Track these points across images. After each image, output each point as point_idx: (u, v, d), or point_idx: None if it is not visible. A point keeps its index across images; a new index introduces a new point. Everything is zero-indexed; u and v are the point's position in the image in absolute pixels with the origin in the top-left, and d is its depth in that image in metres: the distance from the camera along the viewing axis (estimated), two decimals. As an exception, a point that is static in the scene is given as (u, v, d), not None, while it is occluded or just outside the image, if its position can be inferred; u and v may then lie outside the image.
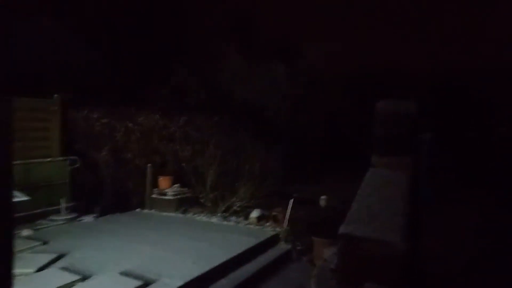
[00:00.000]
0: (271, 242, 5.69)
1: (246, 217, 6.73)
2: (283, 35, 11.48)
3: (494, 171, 11.67)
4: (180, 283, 3.92)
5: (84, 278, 3.92)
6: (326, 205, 6.02)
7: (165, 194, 7.67)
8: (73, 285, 3.73)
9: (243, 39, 10.94)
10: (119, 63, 8.96)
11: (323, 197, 6.07)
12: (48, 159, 6.86)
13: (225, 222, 6.65)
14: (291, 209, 6.01)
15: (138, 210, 7.61)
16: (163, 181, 8.06)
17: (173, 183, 8.05)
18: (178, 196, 7.66)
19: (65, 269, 4.17)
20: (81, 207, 6.92)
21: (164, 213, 7.34)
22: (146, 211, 7.58)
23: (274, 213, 6.30)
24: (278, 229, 5.98)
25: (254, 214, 6.54)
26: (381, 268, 2.96)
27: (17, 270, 3.82)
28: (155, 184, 7.96)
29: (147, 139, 8.44)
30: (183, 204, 7.60)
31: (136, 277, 3.95)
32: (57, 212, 6.58)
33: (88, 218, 6.66)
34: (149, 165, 7.87)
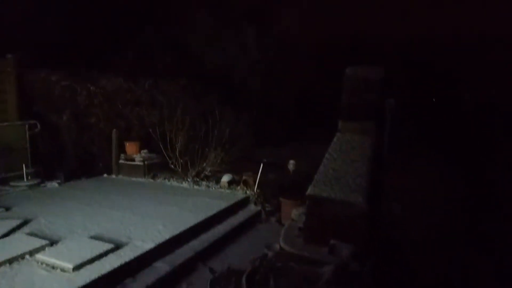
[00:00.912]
0: (241, 204, 5.85)
1: (217, 181, 6.81)
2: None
3: (456, 136, 12.41)
4: (152, 245, 3.98)
5: (52, 242, 3.87)
6: (294, 169, 6.22)
7: (133, 160, 7.55)
8: (42, 250, 3.68)
9: (213, 1, 10.49)
10: (82, 23, 8.36)
11: (291, 161, 6.25)
12: (5, 124, 6.46)
13: (196, 187, 6.70)
14: (261, 173, 6.15)
15: (104, 175, 7.47)
16: (130, 147, 7.89)
17: (141, 149, 7.91)
18: (147, 162, 7.56)
19: (31, 234, 4.09)
20: (43, 173, 6.69)
21: (133, 179, 7.27)
22: (113, 176, 7.45)
23: (244, 177, 6.43)
24: (248, 192, 6.14)
25: (225, 178, 6.63)
26: (345, 226, 3.18)
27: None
28: (121, 150, 7.79)
29: (111, 103, 8.12)
30: (152, 170, 7.54)
31: (106, 240, 3.96)
32: (19, 178, 6.33)
33: (51, 184, 6.47)
34: (114, 130, 7.64)
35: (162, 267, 3.80)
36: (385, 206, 4.64)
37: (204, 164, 7.23)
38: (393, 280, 3.86)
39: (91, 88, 7.79)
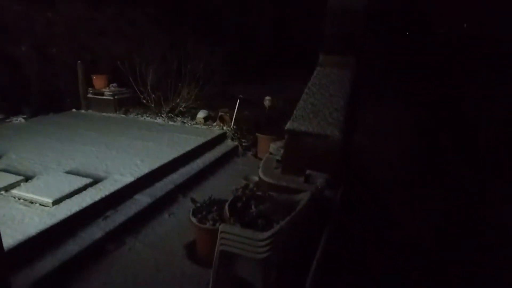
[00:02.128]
0: (218, 140, 5.90)
1: (193, 117, 6.75)
2: None
3: (423, 74, 12.74)
4: (131, 179, 4.01)
5: (27, 178, 3.81)
6: (270, 105, 6.23)
7: (102, 94, 7.23)
8: (17, 185, 3.63)
9: None
10: None
11: (267, 97, 6.24)
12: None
13: (171, 123, 6.62)
14: (237, 109, 6.13)
15: (73, 110, 7.18)
16: (98, 80, 7.51)
17: (109, 82, 7.55)
18: (117, 96, 7.28)
19: (3, 170, 3.99)
20: (6, 108, 6.31)
21: (104, 114, 7.04)
22: (82, 111, 7.18)
23: (221, 113, 6.39)
24: (225, 128, 6.16)
25: (201, 114, 6.57)
26: (321, 157, 3.32)
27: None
28: (89, 84, 7.40)
29: (73, 33, 7.49)
30: (123, 105, 7.30)
31: (83, 175, 3.94)
32: (-22, 113, 5.96)
33: (17, 120, 6.15)
34: (79, 62, 7.17)
35: (143, 199, 3.89)
36: (357, 137, 4.86)
37: (178, 100, 7.07)
38: (359, 202, 4.21)
39: (50, 15, 7.08)
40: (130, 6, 8.51)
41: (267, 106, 6.33)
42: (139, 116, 6.99)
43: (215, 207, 3.10)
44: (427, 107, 9.77)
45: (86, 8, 7.76)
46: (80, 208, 3.32)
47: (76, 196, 3.52)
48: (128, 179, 3.99)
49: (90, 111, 7.20)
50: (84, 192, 3.61)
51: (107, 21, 8.09)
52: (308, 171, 3.26)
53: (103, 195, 3.58)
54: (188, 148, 5.15)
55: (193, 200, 3.27)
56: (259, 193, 2.91)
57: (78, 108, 7.26)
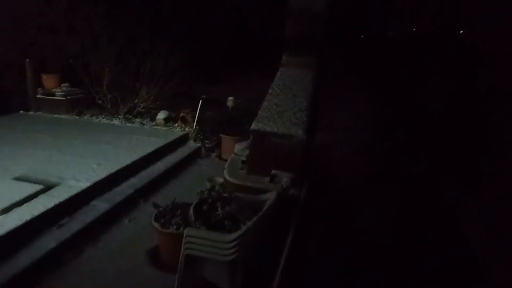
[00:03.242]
0: (180, 141, 5.76)
1: (152, 118, 6.53)
2: None
3: (380, 72, 13.36)
4: (87, 184, 3.80)
5: (-31, 186, 3.47)
6: (233, 105, 6.20)
7: (53, 94, 6.79)
8: (-44, 195, 3.29)
9: None
10: None
11: (230, 98, 6.20)
12: None
13: (129, 124, 6.36)
14: (200, 110, 6.03)
15: (21, 112, 6.67)
16: (48, 80, 7.04)
17: (61, 82, 7.11)
18: (69, 97, 6.87)
19: None
20: None
21: (55, 115, 6.61)
22: (31, 113, 6.69)
23: (182, 114, 6.25)
24: (187, 129, 6.03)
25: (161, 115, 6.37)
26: (285, 157, 3.36)
27: None
28: (38, 83, 6.91)
29: (20, 29, 6.96)
30: (77, 106, 6.90)
31: (34, 181, 3.67)
32: None
33: (-46, 123, 5.60)
34: (27, 60, 6.68)
35: (100, 205, 3.69)
36: (318, 135, 4.97)
37: (136, 100, 6.82)
38: (322, 199, 4.31)
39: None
40: (84, 1, 8.09)
41: (230, 107, 6.29)
42: (94, 117, 6.64)
43: (179, 211, 3.01)
44: (385, 102, 10.26)
45: (35, 2, 7.25)
46: (32, 216, 3.07)
47: (26, 204, 3.25)
48: (84, 184, 3.77)
49: (40, 113, 6.73)
50: (35, 199, 3.34)
51: (58, 17, 7.62)
52: (273, 171, 3.27)
53: (57, 202, 3.34)
54: (148, 150, 4.97)
55: (155, 205, 3.16)
56: (225, 194, 2.88)
57: (27, 110, 6.76)
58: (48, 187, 3.58)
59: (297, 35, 3.42)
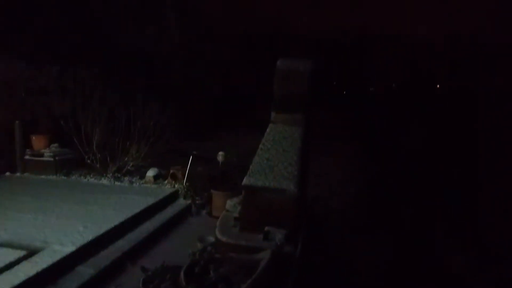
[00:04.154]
0: (170, 199, 5.65)
1: (142, 176, 6.46)
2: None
3: (369, 127, 13.82)
4: (72, 248, 3.63)
5: None
6: (224, 160, 6.22)
7: (41, 155, 6.72)
8: None
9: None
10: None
11: (220, 152, 6.23)
12: None
13: (117, 183, 6.27)
14: (190, 166, 6.02)
15: (7, 174, 6.53)
16: (37, 141, 7.01)
17: (50, 143, 7.09)
18: (58, 157, 6.81)
19: None
20: None
21: (43, 176, 6.48)
22: (18, 174, 6.56)
23: (172, 171, 6.21)
24: (177, 186, 5.96)
25: (151, 173, 6.32)
26: (278, 212, 3.32)
27: None
28: (27, 144, 6.88)
29: (11, 92, 7.08)
30: (65, 166, 6.81)
31: (17, 247, 3.49)
32: None
33: None
34: (17, 122, 6.70)
35: (85, 271, 3.49)
36: (309, 189, 4.98)
37: (126, 158, 6.79)
38: (316, 255, 4.19)
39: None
40: (75, 63, 8.36)
41: (220, 162, 6.30)
42: (82, 177, 6.54)
43: (168, 275, 2.87)
44: (371, 154, 10.46)
45: (27, 66, 7.47)
46: (11, 286, 2.88)
47: (7, 272, 3.07)
48: (69, 248, 3.60)
49: (26, 174, 6.60)
50: (17, 266, 3.16)
51: (49, 79, 7.81)
52: (266, 228, 3.21)
53: (40, 269, 3.16)
54: (136, 210, 4.85)
55: (144, 269, 3.02)
56: (218, 255, 2.78)
57: (13, 171, 6.63)
58: (31, 253, 3.41)
59: (285, 95, 3.58)
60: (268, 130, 3.67)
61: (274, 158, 3.48)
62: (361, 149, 10.86)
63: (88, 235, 3.95)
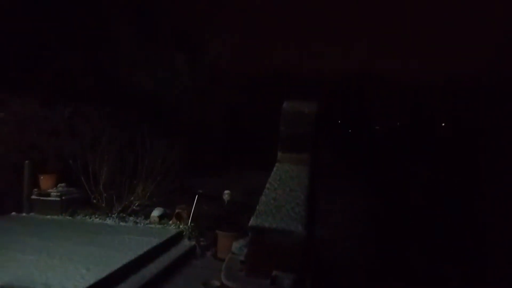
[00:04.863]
0: (174, 240, 5.55)
1: (147, 216, 6.39)
2: (186, 23, 11.14)
3: (374, 165, 13.77)
4: (74, 292, 3.53)
5: None
6: (230, 199, 6.16)
7: (48, 195, 6.73)
8: None
9: (141, 24, 10.22)
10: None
11: (226, 191, 6.19)
12: None
13: (122, 223, 6.20)
14: (195, 205, 5.96)
15: (13, 213, 6.51)
16: (45, 180, 7.05)
17: (58, 182, 7.12)
18: (64, 197, 6.81)
19: None
20: None
21: (48, 216, 6.45)
22: (24, 214, 6.54)
23: (177, 210, 6.14)
24: (181, 227, 5.86)
25: (156, 213, 6.26)
26: (286, 254, 3.21)
27: None
28: (35, 184, 6.91)
29: (23, 131, 7.25)
30: (71, 206, 6.78)
31: (17, 291, 3.40)
32: None
33: None
34: (26, 161, 6.79)
35: (87, 316, 3.38)
36: (316, 230, 4.85)
37: (132, 198, 6.76)
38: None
39: (1, 114, 6.89)
40: (86, 103, 8.60)
41: (226, 200, 6.24)
42: (87, 217, 6.49)
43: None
44: (377, 195, 10.30)
45: (41, 107, 7.71)
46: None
47: (3, 319, 2.96)
48: (71, 292, 3.50)
49: (32, 214, 6.57)
50: (15, 313, 3.06)
51: (60, 119, 8.02)
52: (274, 272, 3.09)
53: (38, 317, 3.05)
54: (140, 252, 4.75)
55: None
56: (223, 301, 2.67)
57: (19, 211, 6.61)
58: (31, 298, 3.31)
59: (291, 135, 3.62)
60: (274, 169, 3.67)
61: (281, 198, 3.44)
62: (366, 190, 10.74)
63: (90, 278, 3.86)
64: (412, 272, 5.34)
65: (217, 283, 3.48)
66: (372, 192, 10.70)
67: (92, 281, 3.82)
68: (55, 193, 6.76)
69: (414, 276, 5.20)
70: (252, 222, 3.24)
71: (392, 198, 10.13)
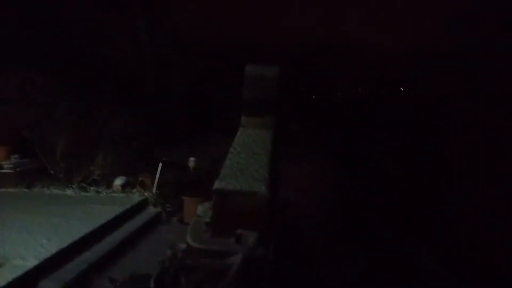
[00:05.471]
0: (139, 207, 5.51)
1: (109, 186, 6.25)
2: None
3: (333, 132, 14.15)
4: (35, 262, 3.45)
5: None
6: (195, 166, 6.15)
7: (1, 168, 6.36)
8: None
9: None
10: None
11: (191, 158, 6.16)
12: None
13: (83, 193, 6.04)
14: (160, 173, 5.90)
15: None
16: (-4, 152, 6.63)
17: (10, 154, 6.72)
18: (18, 169, 6.46)
19: None
20: None
21: (2, 189, 6.13)
22: (-26, 189, 6.17)
23: (141, 179, 6.06)
24: (146, 194, 5.82)
25: (118, 181, 6.13)
26: (250, 215, 3.31)
27: None
28: (-16, 157, 6.48)
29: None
30: (26, 177, 6.47)
31: (-28, 265, 3.27)
32: None
33: None
34: (-27, 133, 6.32)
35: (49, 285, 3.33)
36: (280, 193, 5.00)
37: (92, 167, 6.55)
38: (288, 259, 4.21)
39: None
40: (40, 70, 7.98)
41: (191, 167, 6.22)
42: (45, 189, 6.25)
43: (138, 285, 2.79)
44: (341, 160, 10.68)
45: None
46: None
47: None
48: (31, 263, 3.42)
49: (-17, 188, 6.23)
50: (-29, 286, 2.96)
51: (12, 88, 7.43)
52: (239, 231, 3.18)
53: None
54: (103, 220, 4.69)
55: (112, 280, 2.92)
56: (189, 261, 2.73)
57: (-31, 186, 6.23)
58: (-12, 270, 3.20)
59: (254, 98, 3.61)
60: (238, 133, 3.68)
61: (244, 162, 3.48)
62: (330, 156, 11.08)
63: (51, 248, 3.78)
64: (371, 234, 5.65)
65: (183, 246, 3.53)
66: (336, 158, 11.06)
67: (53, 250, 3.74)
68: (8, 165, 6.40)
69: (373, 237, 5.51)
70: (216, 185, 3.27)
71: (355, 163, 10.55)
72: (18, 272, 3.22)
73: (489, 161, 6.48)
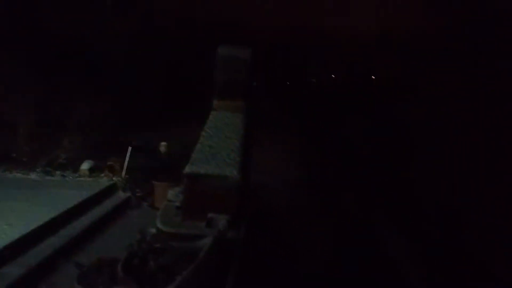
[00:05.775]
0: (107, 192, 5.38)
1: (76, 170, 6.03)
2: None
3: (306, 116, 14.29)
4: (-4, 248, 3.31)
5: None
6: (166, 150, 6.03)
7: (-45, 149, 5.98)
8: None
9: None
10: None
11: (163, 143, 6.04)
12: None
13: (48, 177, 5.80)
14: (129, 157, 5.75)
15: None
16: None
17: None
18: (-24, 152, 6.10)
19: None
20: None
21: (-42, 174, 5.78)
22: None
23: (109, 163, 5.89)
24: (115, 179, 5.67)
25: (85, 165, 5.93)
26: (221, 199, 3.31)
27: None
28: None
29: None
30: (-15, 161, 6.12)
31: None
32: None
33: None
34: None
35: (13, 271, 3.23)
36: (252, 176, 5.02)
37: (58, 151, 6.28)
38: (260, 240, 4.27)
39: None
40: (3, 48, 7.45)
41: (163, 152, 6.10)
42: (7, 172, 5.94)
43: (106, 269, 2.73)
44: (314, 142, 10.84)
45: None
46: None
47: None
48: (-9, 249, 3.27)
49: None
50: None
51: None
52: (209, 214, 3.18)
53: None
54: (69, 205, 4.55)
55: (77, 264, 2.84)
56: (158, 245, 2.70)
57: None
58: None
59: (226, 81, 3.56)
60: (210, 117, 3.64)
61: (216, 145, 3.46)
62: (303, 139, 11.21)
63: (14, 234, 3.63)
64: (342, 213, 5.80)
65: (153, 230, 3.49)
66: (309, 140, 11.19)
67: (16, 236, 3.60)
68: (-36, 148, 6.02)
69: (346, 218, 5.66)
70: (187, 169, 3.23)
71: (328, 146, 10.73)
72: (-23, 259, 3.08)
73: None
